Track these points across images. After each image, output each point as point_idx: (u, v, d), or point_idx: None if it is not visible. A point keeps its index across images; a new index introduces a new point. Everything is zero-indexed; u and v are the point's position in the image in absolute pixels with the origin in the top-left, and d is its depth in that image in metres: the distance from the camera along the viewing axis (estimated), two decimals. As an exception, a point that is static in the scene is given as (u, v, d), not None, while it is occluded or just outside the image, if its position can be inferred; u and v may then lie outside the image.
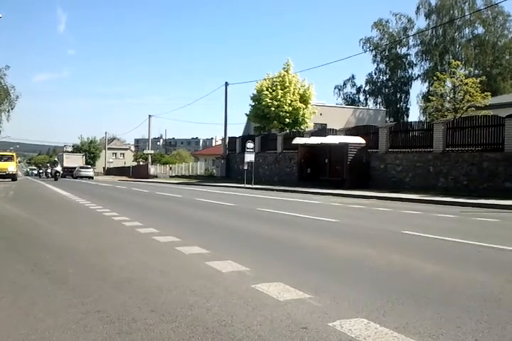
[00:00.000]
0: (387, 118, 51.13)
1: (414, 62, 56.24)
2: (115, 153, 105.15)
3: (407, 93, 57.84)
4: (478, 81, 25.43)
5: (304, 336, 2.73)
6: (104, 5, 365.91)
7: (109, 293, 3.65)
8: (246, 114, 34.63)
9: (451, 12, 50.77)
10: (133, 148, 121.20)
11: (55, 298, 3.51)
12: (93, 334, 2.76)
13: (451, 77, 26.85)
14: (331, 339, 2.69)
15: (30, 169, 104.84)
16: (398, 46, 56.25)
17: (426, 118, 39.98)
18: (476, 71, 47.60)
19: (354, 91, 59.88)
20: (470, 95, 25.17)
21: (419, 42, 54.15)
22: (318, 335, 2.74)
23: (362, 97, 59.62)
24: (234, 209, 12.05)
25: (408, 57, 56.63)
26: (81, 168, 54.08)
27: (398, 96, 57.91)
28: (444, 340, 2.70)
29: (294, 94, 31.59)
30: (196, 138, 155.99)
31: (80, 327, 2.89)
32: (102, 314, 3.12)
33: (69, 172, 52.86)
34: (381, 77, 58.42)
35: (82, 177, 50.27)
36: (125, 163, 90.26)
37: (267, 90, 31.57)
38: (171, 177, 48.21)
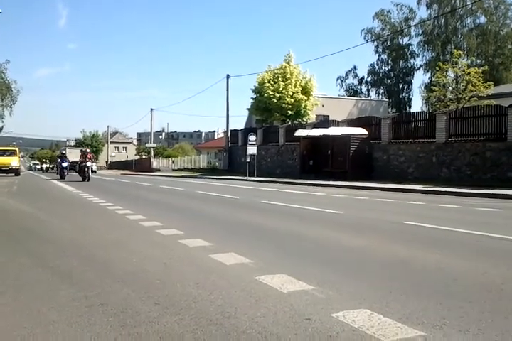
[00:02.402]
0: (390, 109, 50.98)
1: (416, 52, 56.01)
2: (118, 147, 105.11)
3: (410, 83, 57.64)
4: (480, 71, 25.28)
5: (307, 327, 2.74)
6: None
7: (113, 287, 3.66)
8: (247, 109, 34.56)
9: (453, 2, 50.39)
10: (135, 142, 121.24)
11: (59, 292, 3.53)
12: (97, 327, 2.78)
13: (454, 67, 26.71)
14: (335, 329, 2.70)
15: (33, 164, 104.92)
16: (400, 36, 55.91)
17: (428, 109, 39.86)
18: (479, 61, 47.33)
19: (356, 82, 59.74)
20: (472, 85, 25.04)
21: (420, 32, 53.85)
22: (322, 326, 2.75)
23: (364, 88, 59.48)
24: (237, 201, 12.06)
25: (410, 47, 56.38)
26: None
27: (400, 86, 57.69)
28: (448, 330, 2.71)
29: (295, 85, 31.47)
30: (198, 131, 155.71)
31: (84, 320, 2.90)
32: (105, 307, 3.14)
33: (71, 166, 52.98)
34: (383, 67, 58.22)
35: None
36: (128, 156, 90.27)
37: (269, 82, 31.46)
38: (174, 170, 48.24)
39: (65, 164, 28.46)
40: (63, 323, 2.85)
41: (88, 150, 25.63)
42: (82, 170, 23.93)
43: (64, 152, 31.61)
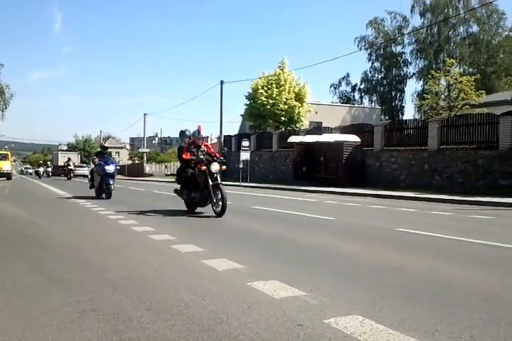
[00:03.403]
0: (382, 117, 51.18)
1: (409, 60, 56.39)
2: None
3: (402, 91, 57.98)
4: (472, 79, 25.51)
5: (299, 333, 2.74)
6: (100, 3, 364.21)
7: (105, 292, 3.64)
8: (241, 115, 34.61)
9: (446, 10, 50.83)
10: (128, 147, 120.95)
11: (51, 297, 3.51)
12: (89, 333, 2.76)
13: (446, 75, 26.93)
14: (327, 336, 2.70)
15: (25, 168, 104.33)
16: (393, 44, 56.26)
17: (421, 117, 40.06)
18: (471, 69, 47.77)
19: (349, 89, 60.05)
20: (465, 93, 25.25)
21: (414, 40, 54.23)
22: (314, 332, 2.75)
23: (357, 95, 59.80)
24: (229, 207, 11.99)
25: (403, 55, 56.74)
26: (76, 166, 53.96)
27: (393, 94, 58.00)
28: (440, 337, 2.71)
29: (289, 92, 31.57)
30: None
31: (76, 325, 2.89)
32: (97, 313, 3.12)
33: (64, 170, 52.97)
34: (376, 75, 58.52)
35: (77, 175, 50.19)
36: (120, 161, 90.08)
37: (262, 89, 31.54)
38: (167, 175, 48.12)
39: (111, 168, 14.20)
40: (54, 329, 2.84)
41: (202, 133, 10.22)
42: (202, 186, 9.52)
43: (106, 145, 17.25)
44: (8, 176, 33.80)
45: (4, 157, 35.43)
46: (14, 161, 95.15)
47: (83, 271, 4.43)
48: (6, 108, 46.40)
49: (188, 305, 3.28)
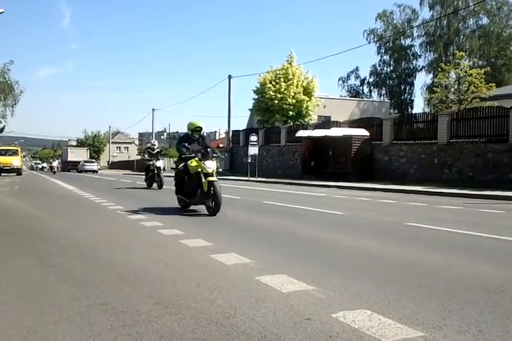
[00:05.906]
0: (392, 110, 50.93)
1: (419, 53, 56.03)
2: (119, 147, 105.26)
3: (412, 84, 57.65)
4: (482, 72, 25.29)
5: (307, 327, 2.74)
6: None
7: (114, 286, 3.67)
8: (249, 109, 34.56)
9: (455, 3, 50.37)
10: (137, 142, 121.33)
11: (60, 291, 3.53)
12: (98, 327, 2.78)
13: (456, 68, 26.70)
14: (334, 330, 2.70)
15: (35, 163, 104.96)
16: (402, 37, 55.90)
17: (430, 110, 39.88)
18: (481, 62, 47.37)
19: (358, 83, 59.76)
20: (474, 86, 25.05)
21: (423, 33, 53.84)
22: (322, 326, 2.75)
23: (366, 89, 59.49)
24: (238, 201, 12.05)
25: (412, 48, 56.39)
26: (85, 161, 54.42)
27: (402, 87, 57.67)
28: (448, 331, 2.70)
29: (297, 86, 31.45)
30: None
31: (85, 319, 2.91)
32: (106, 306, 3.14)
33: (73, 166, 53.79)
34: (385, 68, 58.21)
35: (86, 171, 50.63)
36: (129, 156, 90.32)
37: (270, 83, 31.45)
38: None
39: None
40: (64, 323, 2.86)
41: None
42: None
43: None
44: (18, 172, 34.06)
45: (14, 153, 35.71)
46: (24, 157, 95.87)
47: (92, 265, 4.46)
48: (15, 104, 46.80)
49: (196, 299, 3.29)
